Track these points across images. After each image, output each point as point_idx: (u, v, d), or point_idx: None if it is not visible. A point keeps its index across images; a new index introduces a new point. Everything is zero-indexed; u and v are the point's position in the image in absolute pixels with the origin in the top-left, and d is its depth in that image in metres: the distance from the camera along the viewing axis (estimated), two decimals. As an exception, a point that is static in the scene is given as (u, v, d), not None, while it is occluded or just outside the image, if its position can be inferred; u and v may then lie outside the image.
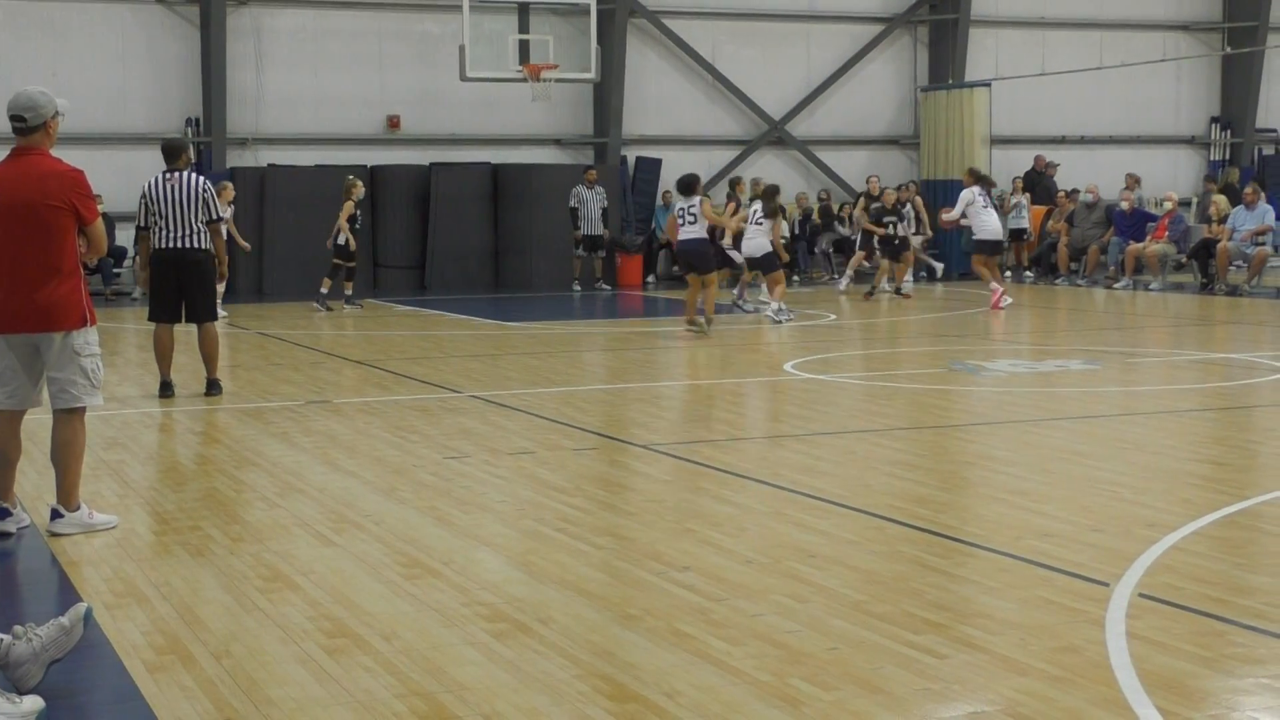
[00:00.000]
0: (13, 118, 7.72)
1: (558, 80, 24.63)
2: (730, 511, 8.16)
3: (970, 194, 21.45)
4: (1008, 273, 27.49)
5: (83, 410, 7.91)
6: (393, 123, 26.33)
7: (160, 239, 12.72)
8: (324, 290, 21.46)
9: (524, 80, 24.25)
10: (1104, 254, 25.73)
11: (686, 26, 28.02)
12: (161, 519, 8.19)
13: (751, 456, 9.86)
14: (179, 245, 12.64)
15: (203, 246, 12.71)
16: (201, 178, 12.86)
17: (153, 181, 12.75)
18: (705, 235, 17.96)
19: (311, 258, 22.65)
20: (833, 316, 20.28)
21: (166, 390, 12.98)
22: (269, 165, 25.07)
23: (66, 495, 7.89)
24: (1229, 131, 31.91)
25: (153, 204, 12.69)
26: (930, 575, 6.78)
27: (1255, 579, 6.72)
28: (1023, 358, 15.52)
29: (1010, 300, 21.08)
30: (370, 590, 6.66)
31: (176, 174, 12.67)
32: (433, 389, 13.33)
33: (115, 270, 24.25)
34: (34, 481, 9.03)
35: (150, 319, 13.09)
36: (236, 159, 25.35)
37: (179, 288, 12.78)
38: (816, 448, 10.19)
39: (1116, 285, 24.76)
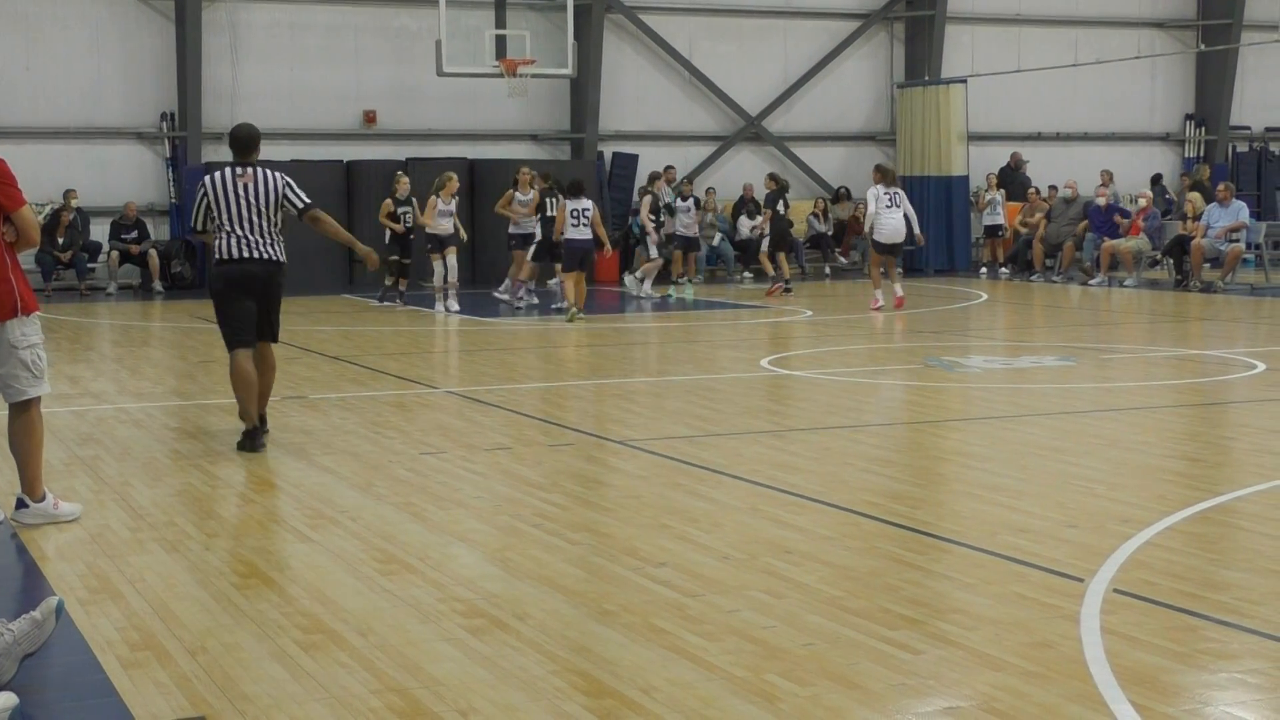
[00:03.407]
0: None
1: (534, 75, 24.60)
2: (706, 507, 8.16)
3: (875, 191, 20.47)
4: (983, 270, 27.57)
5: (35, 400, 7.88)
6: (369, 118, 26.27)
7: (228, 247, 10.30)
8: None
9: (500, 75, 24.21)
10: (1079, 250, 25.81)
11: (663, 22, 28.01)
12: (136, 514, 8.16)
13: (728, 452, 9.87)
14: (252, 255, 10.31)
15: (278, 257, 10.41)
16: (279, 174, 10.58)
17: (218, 180, 10.37)
18: (592, 235, 19.46)
19: (288, 252, 22.44)
20: (809, 313, 20.29)
21: (258, 437, 10.23)
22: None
23: (30, 486, 7.91)
24: (1203, 129, 32.03)
25: (218, 205, 10.31)
26: (906, 571, 6.80)
27: (1228, 574, 6.75)
28: (998, 354, 15.56)
29: (881, 305, 20.30)
30: (346, 586, 6.65)
31: (249, 170, 10.40)
32: (409, 384, 13.31)
33: (90, 265, 24.15)
34: (8, 478, 8.98)
35: (230, 346, 10.49)
36: (212, 153, 25.23)
37: (254, 303, 10.43)
38: (792, 444, 10.20)
39: (1091, 281, 24.83)
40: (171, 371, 14.69)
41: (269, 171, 10.47)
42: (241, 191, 10.31)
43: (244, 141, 10.57)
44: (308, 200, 10.56)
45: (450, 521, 7.90)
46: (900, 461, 9.80)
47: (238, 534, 7.68)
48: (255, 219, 10.32)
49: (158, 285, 24.35)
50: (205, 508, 8.39)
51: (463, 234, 21.18)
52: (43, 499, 7.93)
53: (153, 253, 24.43)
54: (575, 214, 19.36)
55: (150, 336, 18.52)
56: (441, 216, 20.54)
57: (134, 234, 24.47)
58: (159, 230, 25.36)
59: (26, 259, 23.92)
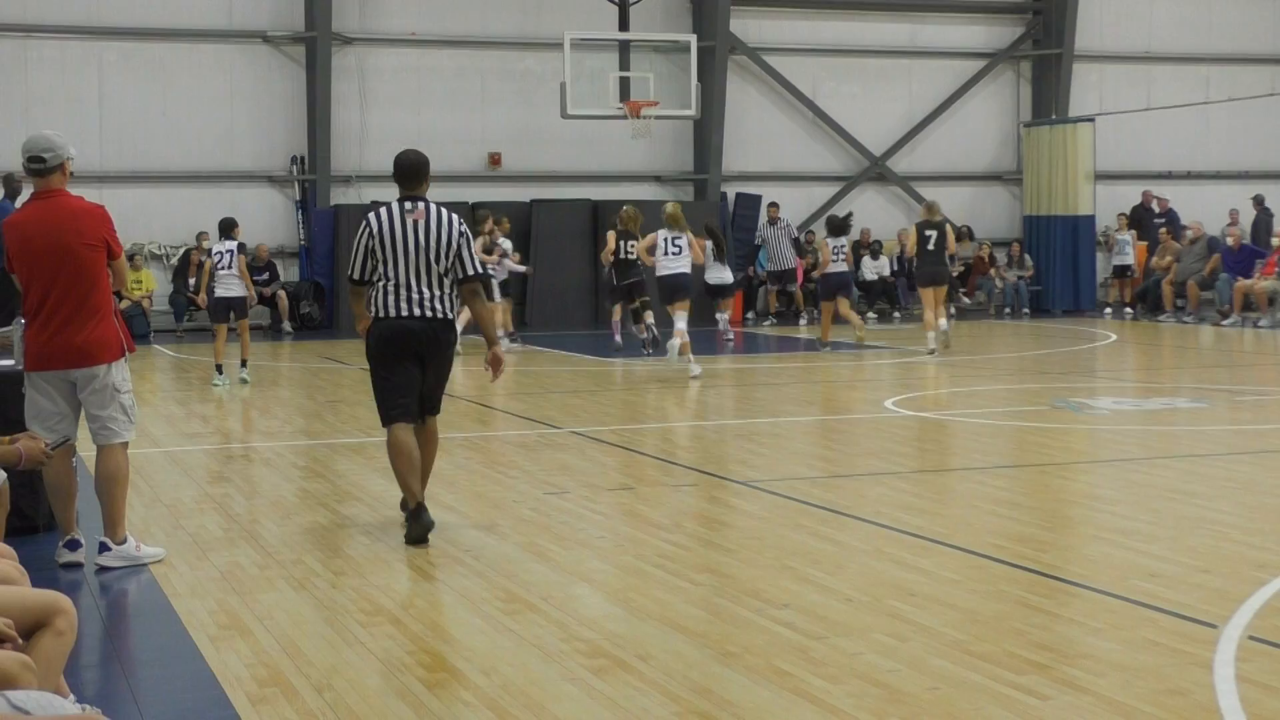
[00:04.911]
0: (32, 159, 7.80)
1: (658, 117, 24.70)
2: (830, 549, 8.11)
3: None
4: (1108, 310, 27.16)
5: (125, 444, 8.06)
6: (494, 160, 26.54)
7: (391, 301, 8.48)
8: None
9: (624, 117, 24.32)
10: (1207, 290, 25.36)
11: (786, 63, 28.03)
12: (265, 551, 8.28)
13: (851, 494, 9.80)
14: (413, 312, 8.45)
15: (445, 314, 8.55)
16: (458, 217, 8.70)
17: (384, 217, 8.57)
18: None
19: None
20: (934, 352, 20.11)
21: (421, 519, 8.42)
22: (372, 202, 25.31)
23: (113, 528, 8.01)
24: (1340, 166, 31.36)
25: (383, 248, 8.49)
26: (1033, 615, 6.69)
27: (1369, 622, 6.57)
28: (1128, 395, 15.31)
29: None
30: (470, 625, 6.68)
31: (420, 206, 8.60)
32: (532, 424, 13.38)
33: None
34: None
35: (385, 421, 8.68)
36: (340, 196, 25.67)
37: (416, 367, 8.56)
38: (917, 485, 10.10)
39: (1225, 322, 24.39)
40: (300, 411, 14.89)
41: (445, 211, 8.66)
42: (411, 231, 8.49)
43: (413, 170, 8.71)
44: (478, 268, 8.70)
45: (573, 561, 7.92)
46: (1027, 504, 9.67)
47: (363, 572, 7.76)
48: (423, 268, 8.47)
49: (287, 326, 24.77)
50: (332, 545, 8.48)
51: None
52: (124, 541, 8.01)
53: (282, 294, 24.87)
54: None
55: (279, 376, 18.80)
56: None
57: (264, 275, 24.90)
58: (289, 272, 25.80)
59: (159, 300, 24.50)
